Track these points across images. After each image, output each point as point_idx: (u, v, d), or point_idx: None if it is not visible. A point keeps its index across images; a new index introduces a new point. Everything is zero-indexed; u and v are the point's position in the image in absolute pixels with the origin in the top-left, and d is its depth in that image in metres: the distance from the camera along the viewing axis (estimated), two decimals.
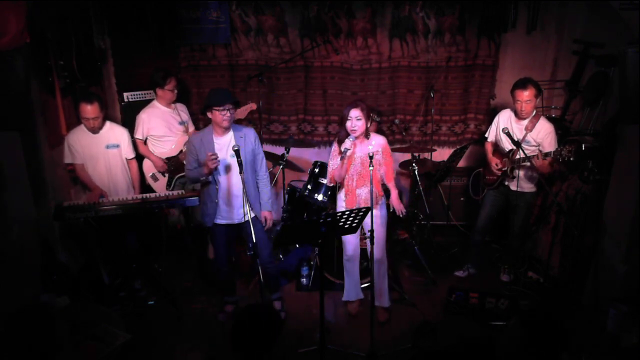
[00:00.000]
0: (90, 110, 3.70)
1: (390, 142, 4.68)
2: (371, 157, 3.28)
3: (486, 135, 4.18)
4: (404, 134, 4.98)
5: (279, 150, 4.90)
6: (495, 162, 4.03)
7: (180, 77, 4.81)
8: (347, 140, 3.37)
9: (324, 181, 4.15)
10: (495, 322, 3.59)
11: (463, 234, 4.98)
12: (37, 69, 3.70)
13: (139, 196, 3.77)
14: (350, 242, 3.69)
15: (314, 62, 4.91)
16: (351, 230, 3.06)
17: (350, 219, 2.95)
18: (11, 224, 3.23)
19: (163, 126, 4.21)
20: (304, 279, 4.31)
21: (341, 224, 2.96)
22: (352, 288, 3.86)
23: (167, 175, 4.32)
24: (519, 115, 3.82)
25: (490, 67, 4.90)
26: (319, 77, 4.98)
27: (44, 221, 3.70)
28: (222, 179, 3.44)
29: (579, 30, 4.50)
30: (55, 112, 4.03)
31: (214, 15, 4.75)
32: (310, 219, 4.00)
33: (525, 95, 3.69)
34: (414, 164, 4.45)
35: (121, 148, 3.97)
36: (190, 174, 3.48)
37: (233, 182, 3.45)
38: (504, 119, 3.96)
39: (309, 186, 4.23)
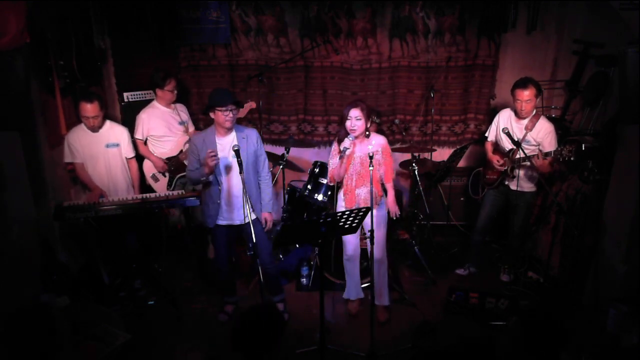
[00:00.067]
0: (90, 109, 3.70)
1: (390, 142, 4.68)
2: (371, 157, 3.28)
3: (486, 135, 4.18)
4: (404, 134, 4.98)
5: (279, 150, 4.90)
6: (496, 159, 4.03)
7: (180, 77, 4.82)
8: (346, 139, 3.37)
9: (324, 181, 4.15)
10: (495, 322, 3.59)
11: (463, 234, 4.98)
12: (37, 69, 3.70)
13: (139, 196, 3.77)
14: (350, 242, 3.69)
15: (314, 62, 4.91)
16: (351, 230, 3.06)
17: (350, 219, 2.95)
18: (11, 224, 3.23)
19: (163, 126, 4.21)
20: (304, 279, 4.31)
21: (341, 224, 2.96)
22: (353, 287, 3.87)
23: (167, 175, 4.32)
24: (519, 115, 3.82)
25: (490, 67, 4.90)
26: (319, 77, 4.98)
27: (44, 221, 3.70)
28: (224, 179, 3.44)
29: (579, 30, 4.50)
30: (55, 112, 4.03)
31: (214, 15, 4.75)
32: (310, 219, 4.00)
33: (526, 95, 3.69)
34: (414, 164, 4.45)
35: (121, 147, 3.97)
36: (192, 174, 3.48)
37: (234, 182, 3.45)
38: (504, 118, 3.96)
39: (309, 186, 4.23)
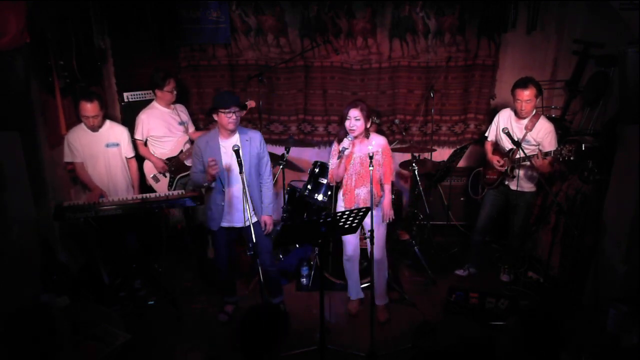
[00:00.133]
0: (90, 108, 3.70)
1: (390, 142, 4.69)
2: (371, 157, 3.28)
3: (486, 135, 4.18)
4: (404, 134, 4.99)
5: (279, 150, 4.90)
6: (496, 160, 4.03)
7: (180, 77, 4.82)
8: (345, 139, 3.38)
9: (324, 181, 4.15)
10: (495, 322, 3.59)
11: (463, 234, 4.98)
12: (37, 69, 3.70)
13: (139, 196, 3.77)
14: (350, 242, 3.69)
15: (314, 62, 4.91)
16: (351, 230, 3.06)
17: (350, 219, 2.95)
18: (11, 224, 3.23)
19: (163, 127, 4.21)
20: (304, 279, 4.31)
21: (341, 224, 2.96)
22: (353, 287, 3.87)
23: (168, 176, 4.32)
24: (519, 115, 3.83)
25: (490, 67, 4.90)
26: (319, 77, 4.98)
27: (44, 221, 3.70)
28: (227, 182, 3.44)
29: (579, 30, 4.50)
30: (55, 112, 4.03)
31: (214, 15, 4.75)
32: (310, 219, 4.00)
33: (526, 95, 3.69)
34: (414, 164, 4.45)
35: (121, 147, 3.97)
36: (195, 177, 3.49)
37: (238, 185, 3.45)
38: (504, 118, 3.96)
39: (309, 186, 4.23)
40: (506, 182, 4.02)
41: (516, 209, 4.04)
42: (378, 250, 3.59)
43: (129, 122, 4.26)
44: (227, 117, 3.30)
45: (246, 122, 4.89)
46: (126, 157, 4.03)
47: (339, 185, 3.64)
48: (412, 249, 4.54)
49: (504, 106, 4.23)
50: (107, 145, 3.91)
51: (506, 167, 3.95)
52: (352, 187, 3.56)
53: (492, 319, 3.62)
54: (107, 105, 4.31)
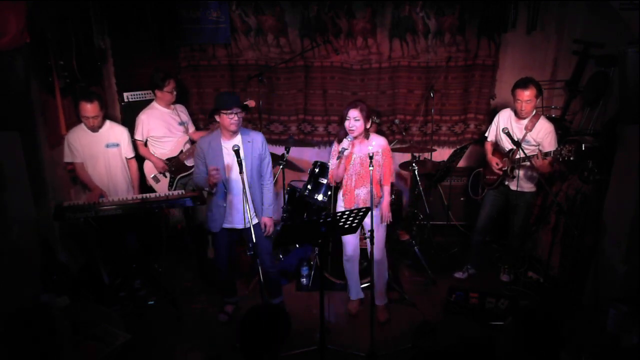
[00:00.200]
0: (90, 109, 3.70)
1: (390, 142, 4.69)
2: (371, 157, 3.27)
3: (486, 135, 4.18)
4: (404, 134, 4.99)
5: (279, 150, 4.90)
6: (495, 162, 4.03)
7: (180, 77, 4.83)
8: (344, 140, 3.38)
9: (324, 181, 4.15)
10: (495, 322, 3.59)
11: (463, 234, 4.98)
12: (37, 69, 3.70)
13: (139, 196, 3.77)
14: (350, 242, 3.69)
15: (314, 62, 4.91)
16: (351, 230, 3.06)
17: (350, 219, 2.95)
18: (11, 224, 3.23)
19: (163, 127, 4.21)
20: (304, 279, 4.31)
21: (341, 224, 2.96)
22: (353, 288, 3.87)
23: (168, 176, 4.32)
24: (518, 115, 3.82)
25: (490, 67, 4.90)
26: (319, 77, 4.98)
27: (44, 221, 3.70)
28: (229, 183, 3.44)
29: (579, 30, 4.50)
30: (55, 112, 4.03)
31: (214, 15, 4.75)
32: (310, 219, 4.00)
33: (526, 95, 3.69)
34: (414, 164, 4.45)
35: (121, 147, 3.97)
36: (197, 179, 3.50)
37: (240, 187, 3.45)
38: (503, 118, 3.96)
39: (309, 186, 4.23)
40: (506, 183, 4.02)
41: (516, 209, 4.04)
42: (378, 251, 3.59)
43: (129, 122, 4.26)
44: (229, 119, 3.30)
45: (246, 122, 4.89)
46: (126, 158, 4.03)
47: (338, 186, 3.64)
48: (412, 249, 4.54)
49: (504, 106, 4.23)
50: (107, 146, 3.91)
51: (506, 168, 3.95)
52: (352, 188, 3.56)
53: (492, 319, 3.62)
54: (107, 106, 4.31)
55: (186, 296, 4.11)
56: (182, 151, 4.31)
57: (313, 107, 5.11)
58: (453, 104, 5.05)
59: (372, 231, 3.21)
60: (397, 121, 4.99)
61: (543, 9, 4.68)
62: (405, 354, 3.31)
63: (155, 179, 4.31)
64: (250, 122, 5.01)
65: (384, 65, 4.91)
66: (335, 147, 3.56)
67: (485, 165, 4.29)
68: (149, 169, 4.30)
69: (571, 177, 4.12)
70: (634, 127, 3.27)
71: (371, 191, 3.29)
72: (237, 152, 3.12)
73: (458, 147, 4.72)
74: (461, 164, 4.90)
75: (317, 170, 4.23)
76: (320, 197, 4.16)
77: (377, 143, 3.53)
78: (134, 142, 4.13)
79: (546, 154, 3.65)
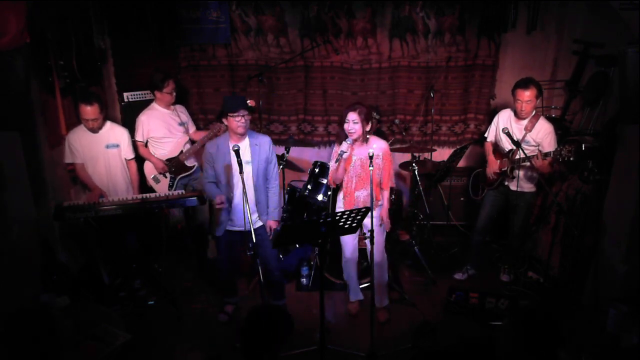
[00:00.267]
0: (89, 111, 3.70)
1: (390, 142, 4.69)
2: (371, 157, 3.26)
3: (486, 135, 4.18)
4: (404, 134, 4.98)
5: (279, 150, 4.87)
6: (492, 168, 4.04)
7: (180, 77, 4.82)
8: (344, 142, 3.38)
9: (324, 181, 4.15)
10: (495, 322, 3.59)
11: (463, 234, 4.98)
12: (37, 69, 3.70)
13: (139, 196, 3.77)
14: (349, 243, 3.69)
15: (314, 62, 4.91)
16: (351, 230, 3.06)
17: (350, 219, 2.95)
18: (11, 224, 3.23)
19: (163, 128, 4.21)
20: (304, 279, 4.31)
21: (341, 224, 2.96)
22: (352, 289, 3.87)
23: (168, 176, 4.32)
24: (518, 115, 3.82)
25: (490, 67, 4.90)
26: (319, 77, 4.98)
27: (44, 221, 3.70)
28: (237, 186, 3.44)
29: (579, 30, 4.50)
30: (55, 112, 4.03)
31: (214, 15, 4.75)
32: (310, 219, 4.00)
33: (527, 95, 3.69)
34: (414, 164, 4.45)
35: (121, 148, 3.97)
36: (207, 187, 3.52)
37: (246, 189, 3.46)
38: (503, 118, 3.96)
39: (309, 186, 4.23)
40: (506, 183, 4.02)
41: (516, 209, 4.04)
42: (377, 253, 3.58)
43: (129, 122, 4.26)
44: (236, 121, 3.32)
45: None
46: (125, 159, 4.03)
47: (338, 187, 3.63)
48: (412, 249, 4.54)
49: (504, 106, 4.23)
50: (107, 146, 3.91)
51: (505, 168, 3.95)
52: (352, 190, 3.56)
53: (492, 319, 3.62)
54: (107, 106, 4.31)
55: (186, 296, 4.12)
56: (182, 152, 4.31)
57: (313, 107, 5.10)
58: (453, 104, 5.05)
59: (372, 231, 3.21)
60: (397, 121, 4.99)
61: (543, 9, 4.68)
62: (405, 354, 3.31)
63: (156, 179, 4.31)
64: (250, 122, 5.00)
65: (384, 65, 4.91)
66: (336, 149, 3.56)
67: (485, 166, 4.28)
68: (149, 170, 4.30)
69: (571, 177, 4.12)
70: (634, 127, 3.28)
71: (371, 191, 3.29)
72: (237, 152, 3.13)
73: (458, 147, 4.72)
74: (461, 164, 4.90)
75: (317, 170, 4.23)
76: (320, 197, 4.16)
77: (377, 146, 3.52)
78: (134, 143, 4.13)
79: (546, 154, 3.65)
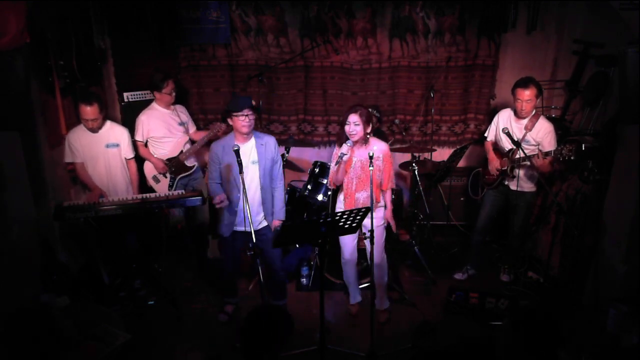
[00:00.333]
0: (89, 111, 3.70)
1: (390, 142, 4.69)
2: (371, 157, 3.26)
3: (485, 135, 4.18)
4: (404, 134, 4.99)
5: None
6: (494, 164, 4.03)
7: (180, 77, 4.82)
8: (344, 145, 3.37)
9: (324, 181, 4.15)
10: (495, 322, 3.59)
11: (463, 234, 4.98)
12: (37, 69, 3.70)
13: (139, 196, 3.77)
14: (348, 244, 3.69)
15: (314, 62, 4.91)
16: (351, 230, 3.06)
17: (350, 219, 2.95)
18: (11, 224, 3.23)
19: (163, 127, 4.21)
20: (304, 279, 4.31)
21: (341, 224, 2.96)
22: (351, 291, 3.87)
23: (168, 176, 4.32)
24: (518, 115, 3.83)
25: (490, 67, 4.90)
26: (319, 77, 4.98)
27: (44, 221, 3.70)
28: (242, 187, 3.44)
29: (579, 30, 4.50)
30: (55, 112, 4.03)
31: (214, 15, 4.75)
32: (310, 219, 4.00)
33: (527, 95, 3.69)
34: (414, 164, 4.45)
35: (121, 147, 3.97)
36: (211, 186, 3.51)
37: (252, 190, 3.47)
38: (503, 118, 3.96)
39: (309, 186, 4.23)
40: (506, 182, 4.02)
41: (516, 209, 4.04)
42: (377, 253, 3.57)
43: (129, 122, 4.26)
44: (241, 121, 3.32)
45: None
46: (125, 158, 4.03)
47: (338, 188, 3.63)
48: (412, 249, 4.54)
49: (504, 106, 4.23)
50: (107, 146, 3.91)
51: (505, 168, 3.95)
52: (352, 192, 3.55)
53: (492, 319, 3.62)
54: (107, 106, 4.31)
55: (186, 296, 4.12)
56: (182, 151, 4.31)
57: (313, 107, 5.10)
58: (453, 104, 5.05)
59: (372, 231, 3.21)
60: (397, 121, 4.99)
61: (543, 9, 4.68)
62: (405, 354, 3.31)
63: (156, 179, 4.31)
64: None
65: (384, 65, 4.91)
66: (336, 151, 3.56)
67: (484, 166, 4.29)
68: (149, 170, 4.30)
69: (571, 177, 4.12)
70: (634, 127, 3.28)
71: (371, 192, 3.29)
72: (237, 152, 3.13)
73: (458, 147, 4.73)
74: (461, 164, 4.90)
75: (317, 170, 4.23)
76: (320, 197, 4.16)
77: (378, 148, 3.51)
78: (134, 143, 4.13)
79: (547, 154, 3.65)
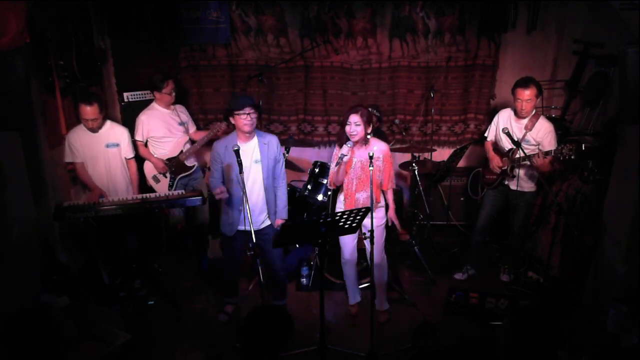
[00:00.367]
0: (89, 111, 3.71)
1: (390, 142, 4.69)
2: (371, 157, 3.26)
3: (486, 135, 4.18)
4: (404, 134, 4.99)
5: None
6: (496, 161, 4.02)
7: (180, 77, 4.82)
8: (344, 146, 3.36)
9: (324, 181, 4.15)
10: (495, 322, 3.59)
11: (463, 234, 4.98)
12: (37, 69, 3.70)
13: (139, 196, 3.77)
14: (348, 245, 3.69)
15: (314, 62, 4.91)
16: (351, 230, 3.06)
17: (350, 219, 2.95)
18: (11, 224, 3.23)
19: (163, 127, 4.21)
20: (304, 279, 4.31)
21: (341, 224, 2.96)
22: (350, 292, 3.87)
23: (168, 176, 4.32)
24: (518, 114, 3.83)
25: (490, 67, 4.90)
26: (319, 77, 4.98)
27: (44, 221, 3.70)
28: (245, 186, 3.43)
29: (579, 30, 4.50)
30: (55, 112, 4.03)
31: (214, 15, 4.75)
32: (310, 219, 4.00)
33: (527, 94, 3.69)
34: (414, 164, 4.45)
35: (121, 147, 3.98)
36: (212, 183, 3.51)
37: (255, 189, 3.47)
38: (503, 118, 3.96)
39: (309, 186, 4.23)
40: (506, 182, 4.02)
41: (516, 208, 4.04)
42: (377, 253, 3.57)
43: (129, 122, 4.26)
44: (243, 119, 3.31)
45: None
46: (125, 158, 4.03)
47: (338, 188, 3.63)
48: (412, 249, 4.54)
49: (504, 106, 4.23)
50: (107, 146, 3.91)
51: (505, 168, 3.95)
52: (352, 192, 3.55)
53: (492, 319, 3.62)
54: (107, 106, 4.31)
55: (186, 296, 4.12)
56: (182, 151, 4.31)
57: (313, 107, 5.10)
58: (453, 104, 5.05)
59: (372, 231, 3.21)
60: (397, 121, 4.99)
61: (543, 9, 4.68)
62: (405, 354, 3.31)
63: (156, 179, 4.31)
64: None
65: (384, 65, 4.91)
66: (336, 151, 3.56)
67: (484, 165, 4.29)
68: (149, 170, 4.30)
69: (571, 177, 4.12)
70: (634, 127, 3.27)
71: (371, 192, 3.29)
72: (237, 152, 3.12)
73: (458, 147, 4.73)
74: (461, 164, 4.90)
75: (317, 170, 4.23)
76: (320, 197, 4.16)
77: (378, 148, 3.51)
78: (134, 143, 4.13)
79: (547, 153, 3.65)
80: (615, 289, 3.50)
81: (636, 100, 3.04)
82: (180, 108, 4.36)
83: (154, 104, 4.24)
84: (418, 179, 4.47)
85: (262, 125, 5.03)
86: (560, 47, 4.76)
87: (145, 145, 4.24)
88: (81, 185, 4.08)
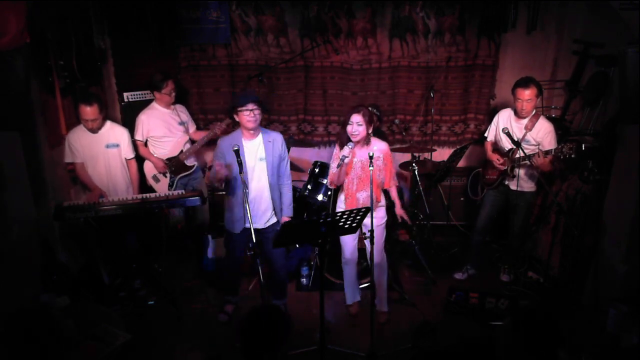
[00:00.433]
0: (89, 111, 3.71)
1: (390, 142, 4.68)
2: (371, 157, 3.26)
3: (485, 135, 4.18)
4: (404, 134, 4.99)
5: None
6: (496, 157, 4.02)
7: (180, 77, 4.82)
8: (345, 147, 3.35)
9: (324, 181, 4.15)
10: (495, 322, 3.59)
11: (463, 234, 4.98)
12: (37, 69, 3.70)
13: (139, 196, 3.77)
14: (349, 244, 3.68)
15: (314, 62, 4.91)
16: (351, 230, 3.06)
17: (351, 219, 2.95)
18: (11, 224, 3.23)
19: (163, 127, 4.21)
20: (304, 279, 4.31)
21: (341, 223, 2.96)
22: (350, 291, 3.87)
23: (168, 176, 4.32)
24: (518, 114, 3.83)
25: (490, 67, 4.90)
26: (319, 77, 4.98)
27: (44, 221, 3.70)
28: (251, 183, 3.43)
29: (579, 30, 4.50)
30: (55, 112, 4.03)
31: (214, 15, 4.75)
32: (310, 219, 4.00)
33: (527, 94, 3.70)
34: (414, 164, 4.45)
35: (121, 148, 3.98)
36: (211, 177, 3.50)
37: (260, 186, 3.46)
38: (503, 118, 3.96)
39: (309, 186, 4.23)
40: (506, 182, 4.02)
41: (516, 208, 4.04)
42: (377, 252, 3.57)
43: (129, 122, 4.26)
44: (246, 116, 3.29)
45: None
46: (126, 159, 4.03)
47: (339, 188, 3.63)
48: (412, 249, 4.54)
49: (504, 106, 4.23)
50: (107, 146, 3.91)
51: (506, 167, 3.95)
52: (353, 192, 3.55)
53: (492, 319, 3.62)
54: (107, 106, 4.31)
55: (186, 296, 4.11)
56: (182, 151, 4.31)
57: (313, 107, 5.11)
58: (453, 104, 5.05)
59: (372, 231, 3.21)
60: (397, 121, 4.99)
61: (543, 9, 4.68)
62: (405, 354, 3.31)
63: (155, 178, 4.31)
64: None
65: (384, 65, 4.91)
66: (337, 151, 3.56)
67: (484, 166, 4.29)
68: (149, 169, 4.30)
69: (571, 177, 4.12)
70: (634, 127, 3.28)
71: (371, 192, 3.29)
72: (237, 152, 3.12)
73: (458, 147, 4.73)
74: (461, 164, 4.90)
75: (317, 170, 4.23)
76: (320, 197, 4.16)
77: (378, 148, 3.51)
78: (134, 143, 4.13)
79: (547, 152, 3.65)
80: (615, 289, 3.50)
81: (636, 100, 3.04)
82: (180, 108, 4.36)
83: (154, 104, 4.24)
84: (418, 179, 4.47)
85: (262, 126, 5.02)
86: (560, 47, 4.76)
87: (145, 144, 4.24)
88: (81, 185, 4.08)
